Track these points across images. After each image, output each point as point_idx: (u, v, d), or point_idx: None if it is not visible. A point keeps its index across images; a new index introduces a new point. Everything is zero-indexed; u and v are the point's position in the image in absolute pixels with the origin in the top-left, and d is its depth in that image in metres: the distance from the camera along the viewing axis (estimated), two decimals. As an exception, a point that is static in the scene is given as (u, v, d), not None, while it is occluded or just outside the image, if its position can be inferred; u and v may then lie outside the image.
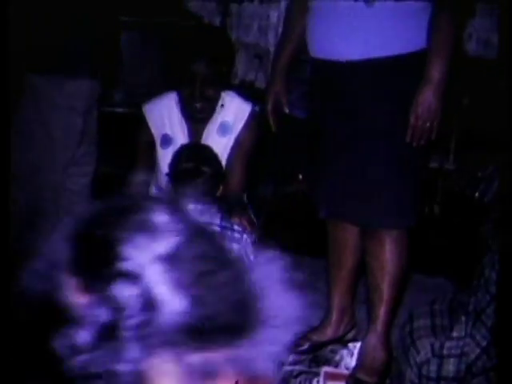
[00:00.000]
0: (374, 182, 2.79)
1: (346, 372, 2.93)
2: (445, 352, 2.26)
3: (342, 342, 3.25)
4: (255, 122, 3.14)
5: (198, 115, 3.08)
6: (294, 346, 3.16)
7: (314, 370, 3.03)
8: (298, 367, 3.05)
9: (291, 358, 3.09)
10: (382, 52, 2.71)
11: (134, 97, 4.50)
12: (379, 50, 2.71)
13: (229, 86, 3.15)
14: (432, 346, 2.29)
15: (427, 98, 2.67)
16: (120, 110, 4.63)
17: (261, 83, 4.58)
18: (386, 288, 2.91)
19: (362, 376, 2.92)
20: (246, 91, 3.45)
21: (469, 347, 2.23)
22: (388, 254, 2.87)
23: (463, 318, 2.28)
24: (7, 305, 1.97)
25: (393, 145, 2.75)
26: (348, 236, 3.08)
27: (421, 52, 2.72)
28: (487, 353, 2.20)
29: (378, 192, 2.80)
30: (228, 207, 2.86)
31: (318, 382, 2.92)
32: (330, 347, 3.18)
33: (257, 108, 3.18)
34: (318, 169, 2.99)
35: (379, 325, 2.95)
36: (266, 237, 3.59)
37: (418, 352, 2.31)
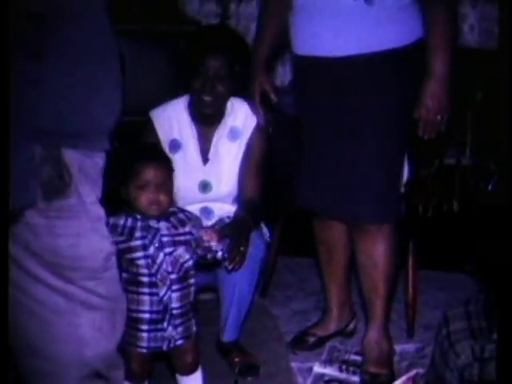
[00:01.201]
0: (362, 178, 2.80)
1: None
2: (486, 355, 2.23)
3: (344, 333, 3.30)
4: (266, 126, 3.10)
5: (205, 110, 3.02)
6: (301, 342, 3.23)
7: (351, 377, 3.01)
8: (327, 370, 3.04)
9: (319, 362, 3.08)
10: (376, 47, 2.70)
11: (137, 105, 4.47)
12: (372, 45, 2.70)
13: (240, 89, 3.10)
14: (472, 349, 2.26)
15: (436, 91, 2.70)
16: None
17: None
18: (381, 284, 2.94)
19: (374, 369, 2.96)
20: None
21: None
22: (381, 251, 2.90)
23: (503, 319, 2.25)
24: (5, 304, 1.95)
25: (382, 139, 2.77)
26: (336, 234, 3.13)
27: (414, 44, 2.72)
28: (532, 354, 2.16)
29: (365, 187, 2.81)
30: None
31: None
32: (354, 349, 3.18)
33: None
34: (305, 166, 2.99)
35: (379, 320, 3.00)
36: (284, 242, 3.61)
37: (458, 356, 2.28)
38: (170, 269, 2.48)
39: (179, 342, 2.55)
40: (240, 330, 3.08)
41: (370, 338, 3.01)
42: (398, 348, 3.16)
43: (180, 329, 2.53)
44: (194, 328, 2.59)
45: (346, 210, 2.88)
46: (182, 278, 2.52)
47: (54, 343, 2.24)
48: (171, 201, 2.53)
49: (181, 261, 2.50)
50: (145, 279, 2.47)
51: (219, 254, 2.59)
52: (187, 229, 2.54)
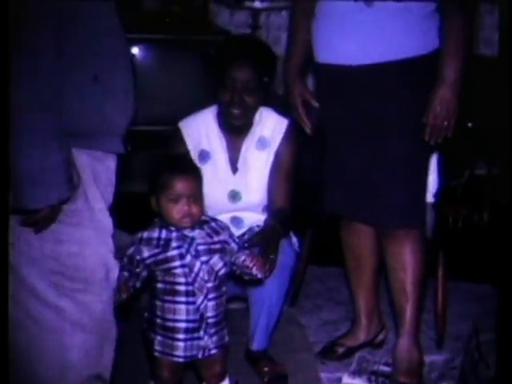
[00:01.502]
0: (388, 182, 2.84)
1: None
2: (516, 366, 2.21)
3: (373, 344, 3.29)
4: (294, 135, 3.11)
5: (234, 122, 3.03)
6: (330, 352, 3.23)
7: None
8: (356, 381, 3.03)
9: (352, 368, 3.08)
10: (400, 54, 2.74)
11: (166, 114, 4.49)
12: (397, 53, 2.74)
13: (268, 99, 3.11)
14: (502, 360, 2.25)
15: (445, 97, 2.73)
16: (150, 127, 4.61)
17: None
18: (411, 289, 2.96)
19: (404, 380, 2.96)
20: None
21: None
22: (409, 255, 2.92)
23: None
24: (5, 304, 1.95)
25: (405, 145, 2.82)
26: (364, 240, 3.15)
27: (429, 55, 2.77)
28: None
29: (391, 192, 2.85)
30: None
31: None
32: (383, 360, 3.17)
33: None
34: (331, 172, 3.02)
35: (409, 327, 2.99)
36: (313, 251, 3.62)
37: (488, 367, 2.27)
38: (206, 277, 2.48)
39: (213, 351, 2.55)
40: (269, 339, 3.08)
41: (400, 346, 3.00)
42: (427, 359, 3.12)
43: (215, 338, 2.54)
44: (227, 338, 2.60)
45: (373, 214, 2.92)
46: (217, 287, 2.52)
47: (40, 361, 2.21)
48: (202, 211, 2.53)
49: (215, 269, 2.51)
50: (182, 288, 2.47)
51: (258, 276, 2.58)
52: (221, 237, 2.54)
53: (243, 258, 2.54)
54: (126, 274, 2.44)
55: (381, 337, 3.30)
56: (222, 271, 2.53)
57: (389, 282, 3.05)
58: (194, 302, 2.48)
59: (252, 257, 2.55)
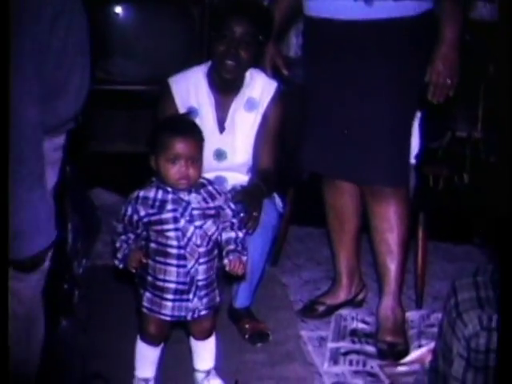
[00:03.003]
0: (374, 139, 2.87)
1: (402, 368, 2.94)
2: (493, 324, 2.25)
3: (353, 303, 3.34)
4: (281, 98, 3.12)
5: (227, 75, 3.03)
6: (310, 311, 3.28)
7: (365, 347, 3.05)
8: (342, 344, 3.06)
9: (330, 334, 3.12)
10: (392, 13, 2.77)
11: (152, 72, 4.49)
12: (390, 11, 2.76)
13: (259, 60, 3.12)
14: (480, 318, 2.28)
15: (447, 55, 2.80)
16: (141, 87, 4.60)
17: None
18: (397, 249, 2.98)
19: (390, 338, 2.99)
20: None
21: (518, 318, 2.23)
22: (396, 214, 2.95)
23: (511, 290, 2.27)
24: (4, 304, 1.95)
25: (394, 103, 2.85)
26: (347, 200, 3.16)
27: (426, 13, 2.81)
28: (538, 324, 2.19)
29: (377, 149, 2.87)
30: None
31: (372, 367, 2.91)
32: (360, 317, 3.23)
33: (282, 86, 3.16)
34: (314, 130, 3.03)
35: (395, 286, 3.02)
36: (294, 212, 3.64)
37: (466, 325, 2.30)
38: (198, 242, 2.48)
39: (203, 312, 2.56)
40: (252, 297, 3.12)
41: (384, 306, 3.04)
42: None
43: (205, 300, 2.54)
44: (218, 298, 2.61)
45: (361, 171, 2.93)
46: (210, 251, 2.53)
47: None
48: (200, 174, 2.52)
49: (209, 234, 2.50)
50: (173, 251, 2.48)
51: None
52: (217, 203, 2.53)
53: (226, 261, 2.52)
54: (131, 235, 2.49)
55: (361, 296, 3.34)
56: (215, 235, 2.53)
57: (373, 242, 3.06)
58: (184, 266, 2.48)
59: (231, 263, 2.52)
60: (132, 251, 2.48)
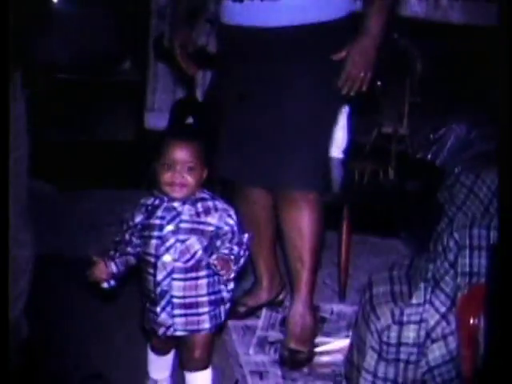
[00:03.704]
0: (286, 144, 2.77)
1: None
2: (405, 319, 2.30)
3: (275, 303, 3.30)
4: None
5: None
6: (232, 313, 3.18)
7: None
8: (270, 333, 3.08)
9: (260, 322, 3.14)
10: (306, 19, 2.70)
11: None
12: (304, 17, 2.70)
13: None
14: (392, 312, 2.33)
15: (365, 48, 2.70)
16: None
17: (212, 47, 4.57)
18: (307, 256, 2.89)
19: (294, 346, 2.91)
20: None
21: (428, 314, 2.28)
22: (307, 220, 2.85)
23: (422, 285, 2.33)
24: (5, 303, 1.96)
25: (308, 107, 2.76)
26: (259, 209, 3.07)
27: (345, 18, 2.76)
28: (446, 319, 2.25)
29: (289, 154, 2.78)
30: None
31: None
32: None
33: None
34: (227, 136, 2.93)
35: (305, 293, 2.95)
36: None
37: (378, 318, 2.35)
38: (176, 256, 2.33)
39: (179, 332, 2.40)
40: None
41: (294, 311, 2.96)
42: (335, 308, 3.25)
43: (180, 319, 2.37)
44: (207, 325, 2.41)
45: (270, 176, 2.83)
46: (189, 269, 2.34)
47: None
48: (198, 185, 2.36)
49: (191, 250, 2.33)
50: (152, 259, 2.35)
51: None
52: (209, 219, 2.36)
53: (215, 256, 2.30)
54: (117, 239, 2.40)
55: (281, 296, 3.30)
56: (199, 255, 2.34)
57: (284, 248, 2.98)
58: (155, 275, 2.36)
59: (217, 259, 2.28)
60: (97, 263, 2.34)
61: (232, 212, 2.40)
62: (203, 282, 2.37)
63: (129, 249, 2.38)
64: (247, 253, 2.36)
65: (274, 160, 2.80)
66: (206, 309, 2.39)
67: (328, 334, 3.10)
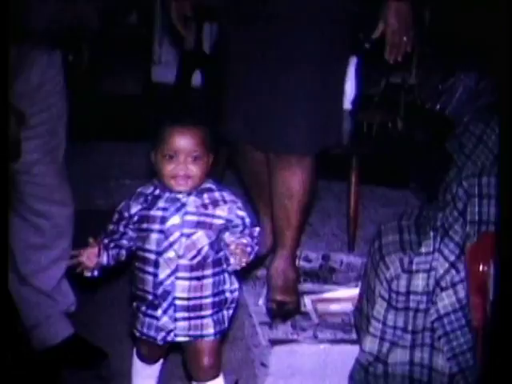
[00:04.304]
0: (284, 108, 2.70)
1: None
2: (414, 267, 2.31)
3: None
4: None
5: None
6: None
7: (304, 286, 3.05)
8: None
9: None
10: None
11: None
12: None
13: None
14: (401, 261, 2.34)
15: (400, 10, 2.60)
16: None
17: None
18: (294, 216, 2.84)
19: (281, 297, 2.89)
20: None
21: (437, 262, 2.29)
22: (298, 182, 2.78)
23: (431, 234, 2.33)
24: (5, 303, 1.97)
25: (308, 70, 2.67)
26: (262, 166, 2.97)
27: None
28: (455, 267, 2.26)
29: (288, 117, 2.70)
30: None
31: (304, 305, 2.94)
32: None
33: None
34: (228, 93, 2.87)
35: (288, 251, 2.92)
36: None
37: (388, 268, 2.36)
38: (181, 252, 2.14)
39: (180, 338, 2.22)
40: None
41: (276, 266, 2.92)
42: (345, 259, 3.25)
43: (183, 324, 2.20)
44: (211, 330, 2.22)
45: (268, 139, 2.76)
46: (195, 267, 2.16)
47: None
48: (204, 175, 2.17)
49: (198, 246, 2.15)
50: (152, 256, 2.15)
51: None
52: (217, 211, 2.17)
53: (233, 242, 2.12)
54: (110, 227, 2.20)
55: None
56: (206, 251, 2.17)
57: (273, 206, 2.91)
58: (157, 275, 2.16)
59: (236, 246, 2.12)
60: (91, 246, 2.13)
61: (240, 203, 2.21)
62: (209, 281, 2.19)
63: (124, 241, 2.19)
64: (256, 248, 2.17)
65: (269, 123, 2.73)
66: (209, 311, 2.21)
67: (337, 284, 3.12)
